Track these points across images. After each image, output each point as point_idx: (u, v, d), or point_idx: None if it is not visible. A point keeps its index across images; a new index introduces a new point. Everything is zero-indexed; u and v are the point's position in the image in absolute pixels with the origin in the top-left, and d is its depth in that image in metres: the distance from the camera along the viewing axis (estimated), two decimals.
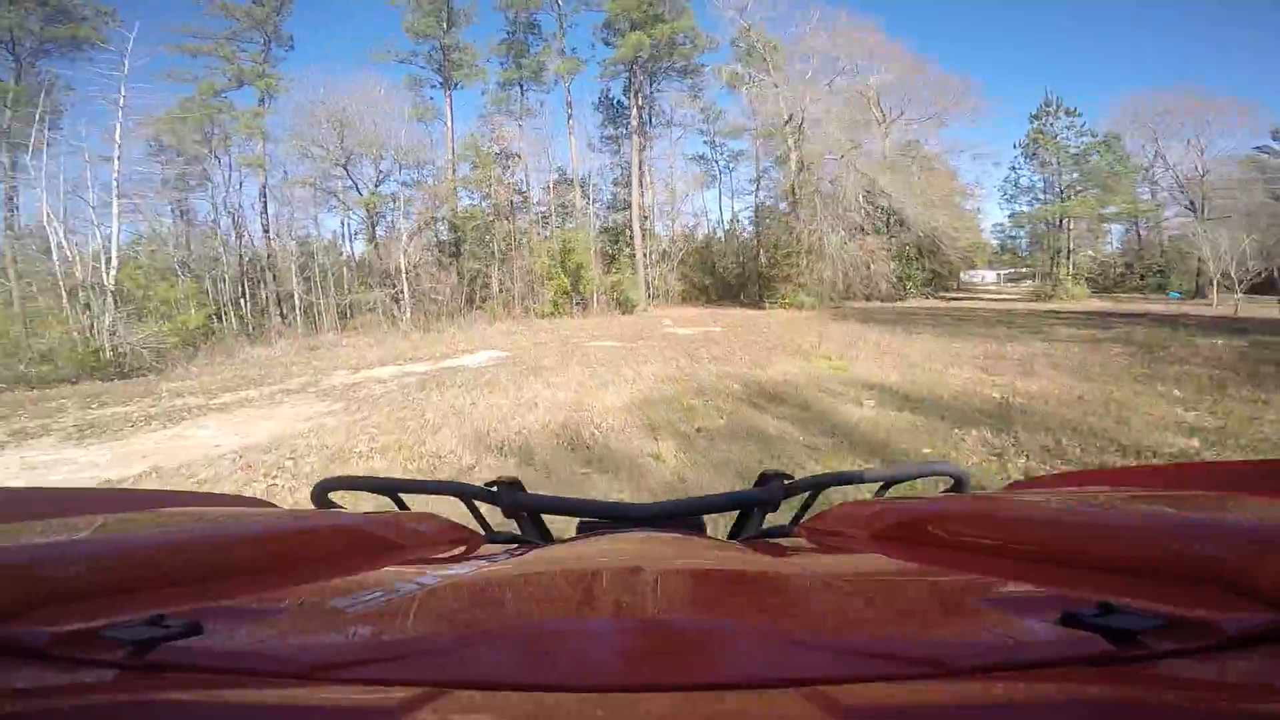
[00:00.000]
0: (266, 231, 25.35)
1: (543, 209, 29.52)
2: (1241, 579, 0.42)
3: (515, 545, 0.83)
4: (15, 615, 0.42)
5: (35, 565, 0.48)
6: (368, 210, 25.83)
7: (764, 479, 0.90)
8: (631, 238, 29.51)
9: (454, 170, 27.77)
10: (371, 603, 0.49)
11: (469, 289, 25.33)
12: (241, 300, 23.31)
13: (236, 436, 7.25)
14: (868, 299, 25.86)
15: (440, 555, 0.73)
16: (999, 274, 44.40)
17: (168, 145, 22.11)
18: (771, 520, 0.93)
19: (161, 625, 0.39)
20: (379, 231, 26.58)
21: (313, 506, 0.96)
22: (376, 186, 25.92)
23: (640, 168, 30.60)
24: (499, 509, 0.89)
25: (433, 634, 0.45)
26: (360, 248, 28.49)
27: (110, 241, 17.37)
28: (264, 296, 23.98)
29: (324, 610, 0.49)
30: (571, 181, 30.05)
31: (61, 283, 16.21)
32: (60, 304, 15.89)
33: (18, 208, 18.72)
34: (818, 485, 0.94)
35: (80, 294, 16.13)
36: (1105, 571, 0.49)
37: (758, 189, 32.69)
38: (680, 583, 0.57)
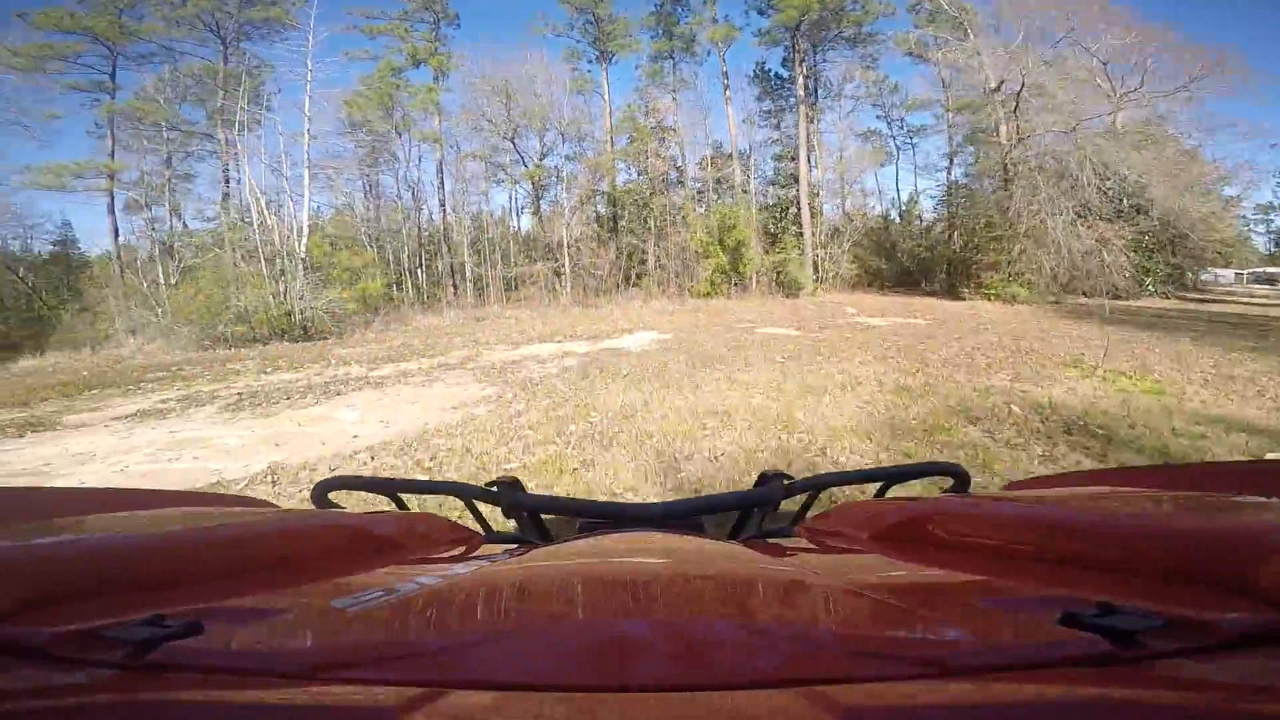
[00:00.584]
0: (443, 205, 25.87)
1: (699, 184, 27.54)
2: (1241, 579, 0.41)
3: (515, 545, 0.81)
4: (15, 615, 0.41)
5: (35, 565, 0.47)
6: (533, 183, 25.46)
7: (764, 479, 0.89)
8: (797, 215, 26.59)
9: (611, 144, 26.56)
10: (371, 603, 0.47)
11: (626, 265, 24.07)
12: (419, 270, 23.88)
13: (379, 424, 6.12)
14: (1086, 295, 20.74)
15: (440, 555, 0.72)
16: (1238, 274, 35.33)
17: (356, 123, 22.88)
18: (772, 520, 0.92)
19: (161, 625, 0.39)
20: (543, 205, 26.16)
21: (313, 506, 0.92)
22: (541, 159, 25.43)
23: (808, 140, 27.43)
24: (499, 509, 0.87)
25: (433, 634, 0.45)
26: (525, 222, 28.42)
27: (302, 211, 18.11)
28: (438, 268, 24.46)
29: (324, 610, 0.48)
30: (729, 156, 27.68)
31: (261, 251, 17.04)
32: (260, 270, 16.68)
33: (239, 181, 20.17)
34: (818, 485, 0.92)
35: (276, 261, 16.86)
36: (1105, 571, 0.48)
37: (950, 166, 28.07)
38: (680, 583, 0.56)
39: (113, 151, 19.96)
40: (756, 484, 0.89)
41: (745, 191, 27.11)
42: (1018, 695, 0.33)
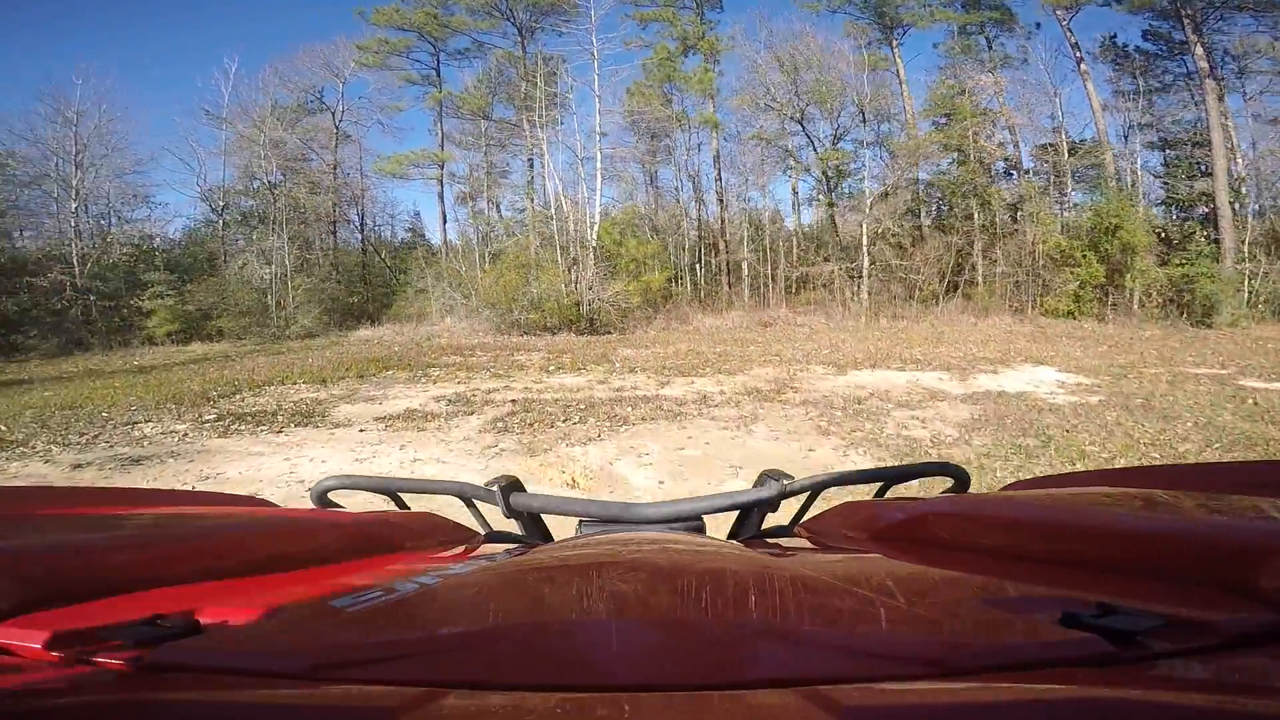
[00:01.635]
0: (720, 198, 23.40)
1: (1043, 178, 20.71)
2: (1241, 579, 0.40)
3: (515, 545, 0.80)
4: (15, 615, 0.40)
5: (35, 565, 0.46)
6: (824, 172, 21.46)
7: (764, 479, 0.87)
8: (1213, 216, 18.40)
9: (914, 127, 21.29)
10: (371, 603, 0.46)
11: (950, 271, 18.88)
12: (696, 266, 21.79)
13: None
14: None
15: (440, 555, 0.70)
16: None
17: (639, 113, 21.50)
18: (771, 520, 0.91)
19: (161, 625, 0.38)
20: (835, 197, 22.08)
21: (313, 506, 0.91)
22: (835, 143, 21.30)
23: (1221, 124, 18.62)
24: (499, 509, 0.85)
25: (432, 634, 0.44)
26: (808, 216, 24.56)
27: (594, 200, 17.16)
28: (715, 264, 22.17)
29: (324, 610, 0.46)
30: (1083, 142, 20.24)
31: (556, 239, 16.46)
32: (554, 258, 16.05)
33: (541, 170, 20.32)
34: (817, 485, 0.90)
35: (569, 250, 16.08)
36: (1105, 571, 0.48)
37: None
38: (679, 583, 0.55)
39: (441, 143, 21.70)
40: (756, 483, 0.87)
41: (1119, 185, 19.60)
42: (1018, 695, 0.32)
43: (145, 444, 5.24)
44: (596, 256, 15.74)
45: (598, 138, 18.18)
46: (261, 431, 5.47)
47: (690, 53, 22.61)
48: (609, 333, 14.25)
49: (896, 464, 1.25)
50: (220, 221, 20.71)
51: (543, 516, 0.89)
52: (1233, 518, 0.57)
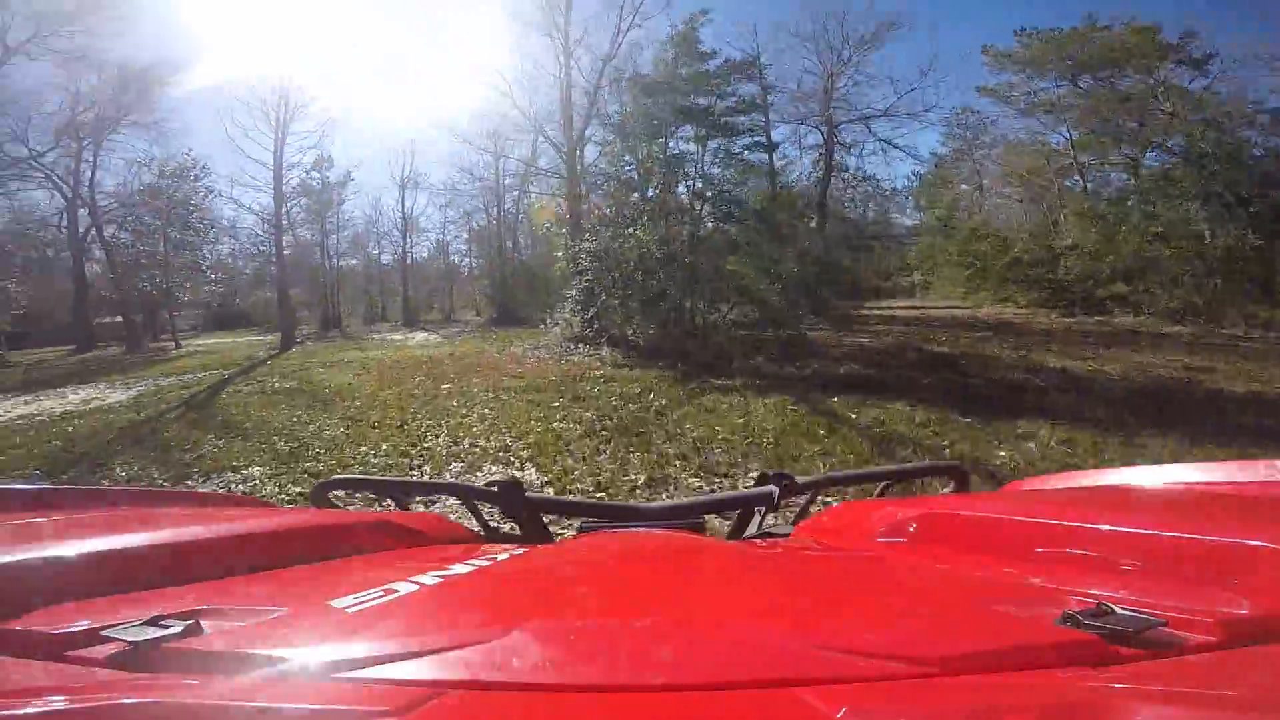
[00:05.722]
0: None
1: None
2: (1241, 579, 0.40)
3: (515, 545, 0.77)
4: (15, 615, 0.40)
5: (35, 565, 0.46)
6: None
7: (764, 479, 0.85)
8: None
9: None
10: (371, 603, 0.45)
11: None
12: None
13: None
14: None
15: (440, 555, 0.69)
16: None
17: None
18: (772, 520, 0.88)
19: (161, 625, 0.37)
20: None
21: (312, 506, 0.90)
22: None
23: None
24: (499, 509, 0.84)
25: (432, 634, 0.42)
26: None
27: None
28: None
29: (323, 610, 0.46)
30: None
31: None
32: None
33: None
34: (817, 485, 0.89)
35: None
36: (1104, 571, 0.47)
37: None
38: (680, 583, 0.54)
39: None
40: (757, 483, 0.84)
41: None
42: (1017, 695, 0.31)
43: None
44: None
45: None
46: None
47: None
48: None
49: (896, 465, 1.11)
50: None
51: (542, 516, 0.87)
52: (1232, 517, 0.55)
